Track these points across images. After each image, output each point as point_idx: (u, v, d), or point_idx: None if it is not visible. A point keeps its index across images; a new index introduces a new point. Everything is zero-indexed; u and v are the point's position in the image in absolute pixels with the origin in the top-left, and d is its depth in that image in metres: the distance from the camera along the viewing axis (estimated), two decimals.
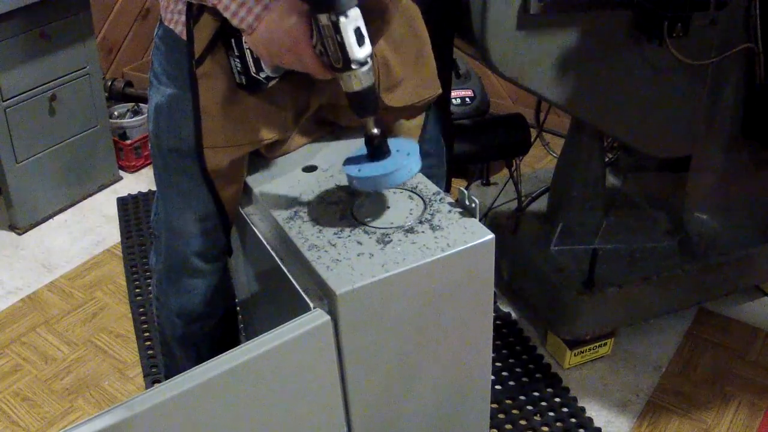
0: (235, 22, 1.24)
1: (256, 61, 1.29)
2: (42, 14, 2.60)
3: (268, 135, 1.40)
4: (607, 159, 2.36)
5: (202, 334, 1.59)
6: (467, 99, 2.82)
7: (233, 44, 1.28)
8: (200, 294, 1.54)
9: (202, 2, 1.24)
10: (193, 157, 1.38)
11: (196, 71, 1.31)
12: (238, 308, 1.73)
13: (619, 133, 2.08)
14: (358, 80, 1.23)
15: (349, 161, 1.36)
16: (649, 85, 1.91)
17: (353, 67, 1.21)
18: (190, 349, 1.61)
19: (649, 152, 2.13)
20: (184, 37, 1.31)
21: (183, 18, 1.30)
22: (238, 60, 1.29)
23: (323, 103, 1.46)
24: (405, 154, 1.33)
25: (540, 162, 3.07)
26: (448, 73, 2.22)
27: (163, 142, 1.40)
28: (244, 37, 1.27)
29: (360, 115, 1.28)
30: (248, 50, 1.28)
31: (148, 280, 2.48)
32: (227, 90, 1.34)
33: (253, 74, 1.30)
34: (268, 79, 1.31)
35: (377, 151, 1.31)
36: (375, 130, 1.30)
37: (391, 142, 1.33)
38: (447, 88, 2.32)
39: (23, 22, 2.56)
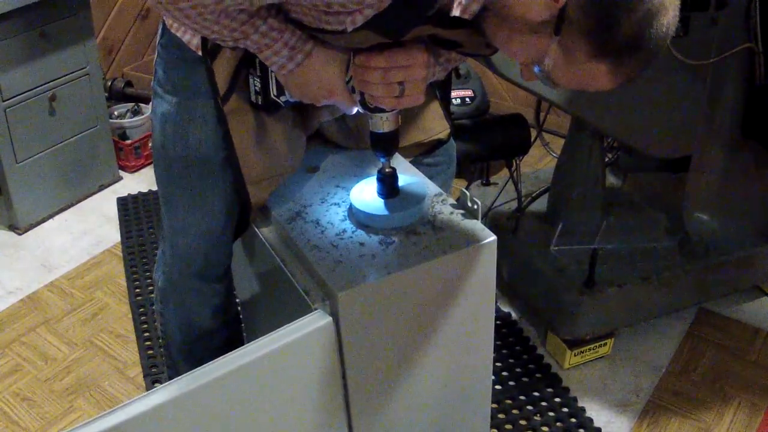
0: (274, 68, 1.23)
1: (280, 86, 1.29)
2: (42, 14, 2.60)
3: (297, 158, 1.42)
4: (607, 159, 2.37)
5: (206, 351, 1.58)
6: (467, 99, 2.82)
7: (257, 64, 1.27)
8: (203, 314, 1.54)
9: (236, 45, 1.21)
10: (198, 168, 1.37)
11: (224, 108, 1.30)
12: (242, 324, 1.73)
13: (619, 133, 2.08)
14: (387, 122, 1.28)
15: (357, 193, 1.39)
16: (648, 85, 1.91)
17: (386, 109, 1.26)
18: (195, 365, 1.60)
19: (649, 152, 2.13)
20: (192, 46, 1.28)
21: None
22: (258, 80, 1.29)
23: (322, 120, 1.48)
24: (413, 195, 1.37)
25: (540, 162, 3.07)
26: (448, 73, 2.22)
27: (169, 151, 1.38)
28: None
29: (379, 155, 1.33)
30: (272, 73, 1.27)
31: (148, 280, 2.48)
32: (256, 121, 1.34)
33: (272, 96, 1.30)
34: (287, 102, 1.32)
35: (388, 189, 1.36)
36: (388, 169, 1.35)
37: (402, 180, 1.38)
38: (447, 88, 2.32)
39: (23, 22, 2.56)
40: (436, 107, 1.53)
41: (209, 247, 1.45)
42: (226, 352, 1.61)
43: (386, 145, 1.31)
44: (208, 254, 1.46)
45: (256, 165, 1.36)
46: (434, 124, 1.54)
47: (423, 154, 1.57)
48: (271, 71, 1.27)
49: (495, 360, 2.13)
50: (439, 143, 1.57)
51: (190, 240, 1.45)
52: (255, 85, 1.30)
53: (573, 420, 2.00)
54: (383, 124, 1.28)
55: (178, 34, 1.30)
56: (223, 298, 1.55)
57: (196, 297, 1.51)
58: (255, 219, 1.45)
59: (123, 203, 2.93)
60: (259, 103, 1.31)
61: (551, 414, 2.02)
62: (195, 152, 1.35)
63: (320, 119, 1.46)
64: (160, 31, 1.35)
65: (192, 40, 1.28)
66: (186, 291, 1.51)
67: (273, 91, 1.29)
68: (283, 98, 1.30)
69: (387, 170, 1.35)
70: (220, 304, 1.54)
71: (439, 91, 1.56)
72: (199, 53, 1.28)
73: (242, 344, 1.70)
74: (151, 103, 1.42)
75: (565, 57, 1.05)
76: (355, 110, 1.30)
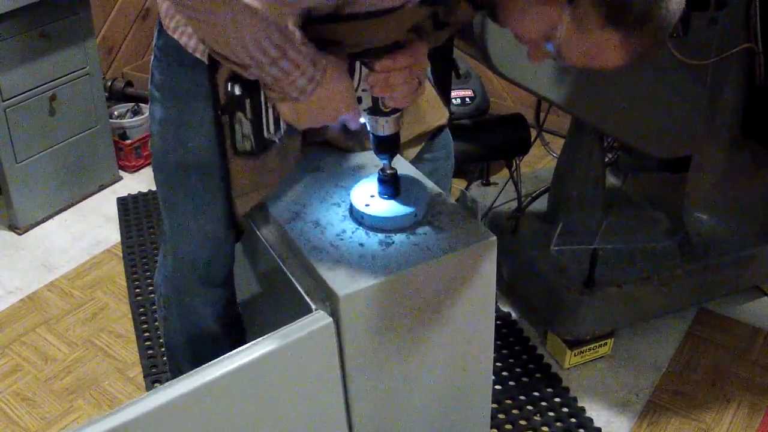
0: (294, 94, 1.16)
1: (276, 121, 1.26)
2: (42, 14, 2.60)
3: (286, 170, 1.41)
4: (607, 159, 2.37)
5: (210, 354, 1.57)
6: (467, 99, 2.82)
7: (247, 106, 1.23)
8: (206, 318, 1.53)
9: (248, 76, 1.15)
10: (199, 173, 1.36)
11: (221, 119, 1.29)
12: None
13: (619, 133, 2.08)
14: (390, 125, 1.29)
15: (357, 193, 1.38)
16: (649, 85, 1.91)
17: (399, 109, 1.27)
18: None
19: (649, 152, 2.13)
20: (190, 49, 1.26)
21: (190, 30, 1.25)
22: (249, 123, 1.25)
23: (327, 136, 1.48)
24: (414, 196, 1.37)
25: (540, 162, 3.07)
26: (448, 73, 2.22)
27: (169, 156, 1.37)
28: (273, 102, 1.21)
29: (381, 157, 1.33)
30: (270, 110, 1.24)
31: (149, 280, 2.48)
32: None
33: (266, 135, 1.27)
34: (281, 139, 1.31)
35: (389, 189, 1.36)
36: (390, 171, 1.35)
37: (402, 180, 1.38)
38: (447, 88, 2.33)
39: (23, 22, 2.56)
40: (431, 95, 1.53)
41: (212, 251, 1.44)
42: None
43: (391, 146, 1.31)
44: (210, 259, 1.45)
45: (244, 178, 1.35)
46: (433, 113, 1.54)
47: (425, 143, 1.57)
48: (267, 107, 1.23)
49: (495, 360, 2.13)
50: (440, 129, 1.57)
51: (192, 245, 1.44)
52: (242, 131, 1.26)
53: (573, 420, 2.00)
54: (386, 127, 1.28)
55: (175, 36, 1.26)
56: (226, 301, 1.55)
57: (200, 302, 1.51)
58: (255, 220, 1.45)
59: (123, 203, 2.93)
60: (247, 149, 1.28)
61: (551, 414, 2.02)
62: (195, 158, 1.34)
63: (324, 135, 1.45)
64: (156, 34, 1.32)
65: (189, 43, 1.25)
66: (189, 296, 1.51)
67: (270, 128, 1.26)
68: (278, 134, 1.28)
69: (388, 171, 1.35)
70: (223, 308, 1.54)
71: (433, 76, 1.56)
72: (197, 56, 1.26)
73: None
74: (148, 106, 1.41)
75: (578, 27, 1.07)
76: (358, 120, 1.29)
